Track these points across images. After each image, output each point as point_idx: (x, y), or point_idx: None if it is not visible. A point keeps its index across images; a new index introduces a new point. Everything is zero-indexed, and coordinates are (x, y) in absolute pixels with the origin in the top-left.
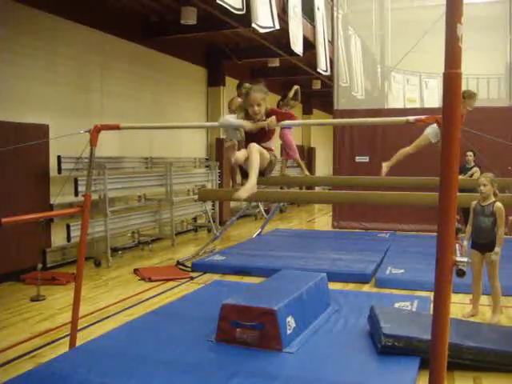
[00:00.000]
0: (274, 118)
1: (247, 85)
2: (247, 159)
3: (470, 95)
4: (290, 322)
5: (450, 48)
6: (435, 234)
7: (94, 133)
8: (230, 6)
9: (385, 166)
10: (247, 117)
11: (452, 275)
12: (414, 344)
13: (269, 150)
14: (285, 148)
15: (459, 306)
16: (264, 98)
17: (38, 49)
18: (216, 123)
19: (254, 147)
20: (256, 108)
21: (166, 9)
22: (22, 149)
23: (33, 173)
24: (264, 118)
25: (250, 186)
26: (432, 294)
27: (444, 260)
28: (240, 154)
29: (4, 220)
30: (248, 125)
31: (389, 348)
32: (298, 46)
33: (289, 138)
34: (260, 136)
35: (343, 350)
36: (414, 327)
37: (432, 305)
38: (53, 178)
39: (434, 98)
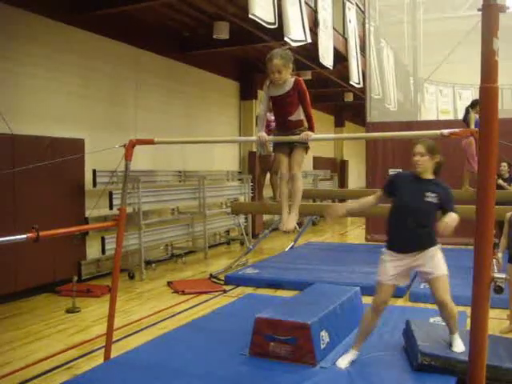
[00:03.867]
0: (309, 133)
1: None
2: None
3: None
4: (324, 336)
5: (486, 62)
6: (470, 247)
7: (129, 147)
8: (262, 20)
9: None
10: (272, 84)
11: (490, 292)
12: (452, 364)
13: (300, 122)
14: (468, 159)
15: (496, 321)
16: (285, 65)
17: (74, 65)
18: (250, 137)
19: (299, 174)
20: (276, 75)
21: (198, 24)
22: (58, 163)
23: (69, 186)
24: (291, 86)
25: (296, 216)
26: (467, 308)
27: (482, 277)
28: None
29: (42, 233)
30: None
31: (425, 366)
32: (327, 60)
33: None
34: (286, 108)
35: (377, 365)
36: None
37: (469, 320)
38: (88, 191)
39: None
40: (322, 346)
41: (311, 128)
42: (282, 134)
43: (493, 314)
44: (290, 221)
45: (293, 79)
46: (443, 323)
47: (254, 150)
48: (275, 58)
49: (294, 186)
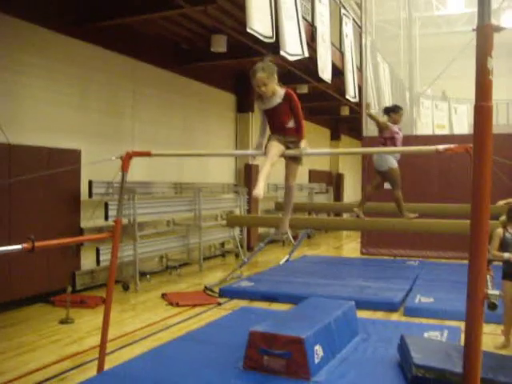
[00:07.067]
0: (304, 145)
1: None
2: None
3: None
4: (318, 350)
5: (480, 81)
6: (465, 261)
7: (126, 159)
8: (260, 34)
9: None
10: (261, 98)
11: (484, 308)
12: (446, 376)
13: (296, 129)
14: None
15: (490, 336)
16: (269, 77)
17: (72, 76)
18: (247, 151)
19: (293, 184)
20: (263, 88)
21: (196, 36)
22: (54, 173)
23: (64, 197)
24: (282, 98)
25: (288, 220)
26: (462, 323)
27: (475, 293)
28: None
29: (37, 244)
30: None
31: (419, 379)
32: (326, 73)
33: None
34: (280, 118)
35: (372, 379)
36: (445, 359)
37: (463, 335)
38: (83, 201)
39: (463, 124)
40: (316, 361)
41: (300, 135)
42: (277, 134)
43: (487, 329)
44: (284, 225)
45: (283, 91)
46: (437, 338)
47: (250, 162)
48: (258, 72)
49: (289, 196)
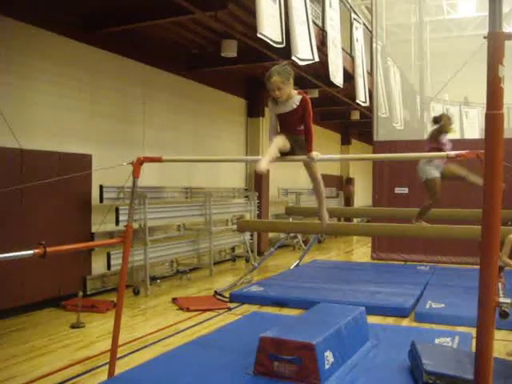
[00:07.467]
0: (315, 153)
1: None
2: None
3: None
4: (329, 356)
5: (491, 89)
6: (477, 267)
7: (137, 165)
8: (270, 39)
9: None
10: (276, 101)
11: (495, 316)
12: (458, 383)
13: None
14: None
15: (502, 343)
16: (284, 81)
17: (83, 81)
18: (258, 157)
19: (320, 179)
20: (277, 92)
21: (207, 41)
22: (65, 178)
23: (75, 201)
24: (298, 104)
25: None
26: (474, 329)
27: (487, 301)
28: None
29: (49, 249)
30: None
31: None
32: (337, 78)
33: None
34: (294, 124)
35: None
36: (456, 365)
37: (474, 341)
38: (94, 206)
39: (474, 129)
40: (327, 367)
41: (309, 147)
42: (288, 134)
43: (498, 335)
44: (324, 218)
45: (300, 97)
46: (449, 344)
47: None
48: (273, 75)
49: (319, 191)
